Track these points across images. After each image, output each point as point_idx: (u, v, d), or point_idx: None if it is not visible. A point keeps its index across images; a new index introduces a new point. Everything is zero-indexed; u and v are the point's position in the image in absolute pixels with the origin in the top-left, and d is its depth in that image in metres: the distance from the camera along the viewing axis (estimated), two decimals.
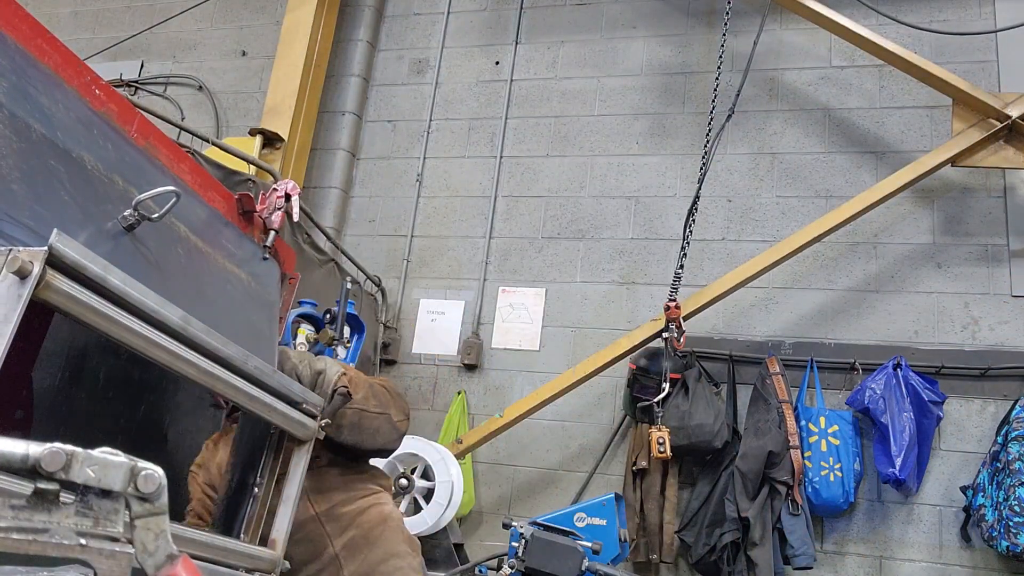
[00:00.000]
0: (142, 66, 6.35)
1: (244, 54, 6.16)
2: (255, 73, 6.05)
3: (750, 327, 4.62)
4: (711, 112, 4.17)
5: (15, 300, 1.21)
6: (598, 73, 5.40)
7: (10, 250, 1.23)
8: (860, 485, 4.13)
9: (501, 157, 5.38)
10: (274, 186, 3.18)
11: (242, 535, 2.03)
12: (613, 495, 3.16)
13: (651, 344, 4.32)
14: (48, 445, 0.82)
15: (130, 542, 0.88)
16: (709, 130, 4.13)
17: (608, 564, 2.93)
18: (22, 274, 1.22)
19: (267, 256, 3.00)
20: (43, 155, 1.68)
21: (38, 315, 2.03)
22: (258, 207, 3.07)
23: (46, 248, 1.26)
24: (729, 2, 4.32)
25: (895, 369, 4.09)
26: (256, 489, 2.07)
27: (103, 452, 0.86)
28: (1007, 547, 3.65)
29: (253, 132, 5.04)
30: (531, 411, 4.45)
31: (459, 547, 3.17)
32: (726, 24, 4.30)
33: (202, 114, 6.01)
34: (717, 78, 4.25)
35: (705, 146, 4.08)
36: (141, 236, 1.92)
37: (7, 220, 1.46)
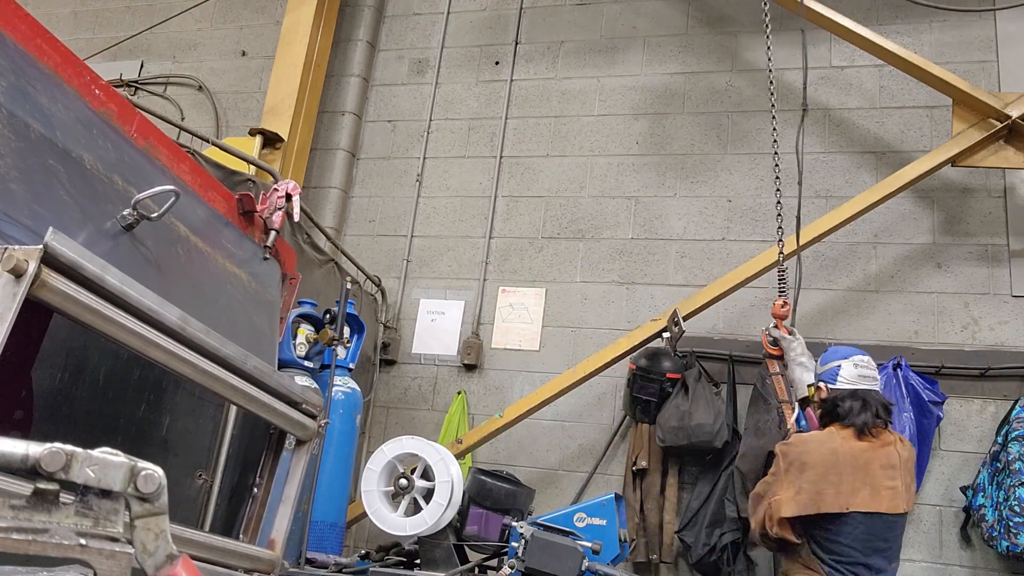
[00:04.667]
0: (142, 66, 6.35)
1: (244, 54, 6.15)
2: (255, 73, 6.04)
3: (750, 327, 4.61)
4: (771, 109, 3.88)
5: (10, 299, 1.20)
6: (598, 73, 5.39)
7: (5, 248, 1.22)
8: None
9: (501, 157, 5.38)
10: (275, 186, 3.18)
11: (242, 535, 2.03)
12: (613, 495, 3.14)
13: (651, 344, 4.32)
14: (48, 445, 0.82)
15: (130, 542, 0.87)
16: (774, 128, 3.85)
17: (608, 564, 2.92)
18: (17, 272, 1.21)
19: (268, 256, 3.00)
20: (42, 154, 1.68)
21: (38, 314, 2.03)
22: (259, 207, 3.07)
23: (41, 246, 1.25)
24: (766, 8, 4.04)
25: (895, 369, 4.08)
26: (256, 489, 2.06)
27: (103, 452, 0.86)
28: (1007, 547, 3.65)
29: (253, 132, 5.03)
30: (531, 411, 4.45)
31: (459, 547, 3.16)
32: (766, 26, 3.99)
33: (202, 114, 6.01)
34: (771, 79, 3.98)
35: (773, 143, 3.83)
36: (140, 236, 1.91)
37: (5, 219, 1.45)
